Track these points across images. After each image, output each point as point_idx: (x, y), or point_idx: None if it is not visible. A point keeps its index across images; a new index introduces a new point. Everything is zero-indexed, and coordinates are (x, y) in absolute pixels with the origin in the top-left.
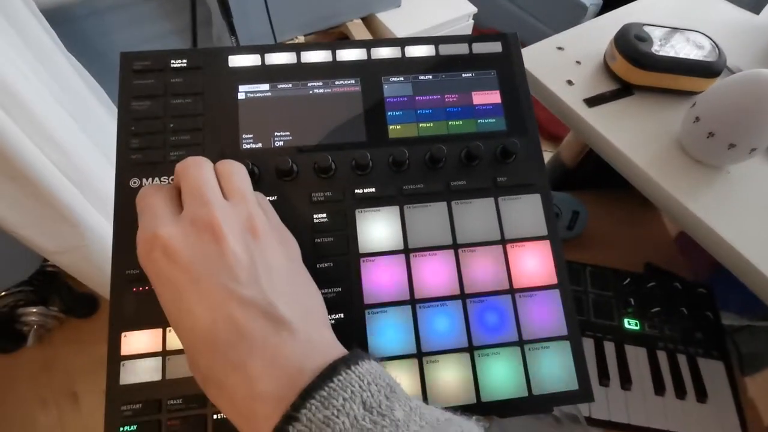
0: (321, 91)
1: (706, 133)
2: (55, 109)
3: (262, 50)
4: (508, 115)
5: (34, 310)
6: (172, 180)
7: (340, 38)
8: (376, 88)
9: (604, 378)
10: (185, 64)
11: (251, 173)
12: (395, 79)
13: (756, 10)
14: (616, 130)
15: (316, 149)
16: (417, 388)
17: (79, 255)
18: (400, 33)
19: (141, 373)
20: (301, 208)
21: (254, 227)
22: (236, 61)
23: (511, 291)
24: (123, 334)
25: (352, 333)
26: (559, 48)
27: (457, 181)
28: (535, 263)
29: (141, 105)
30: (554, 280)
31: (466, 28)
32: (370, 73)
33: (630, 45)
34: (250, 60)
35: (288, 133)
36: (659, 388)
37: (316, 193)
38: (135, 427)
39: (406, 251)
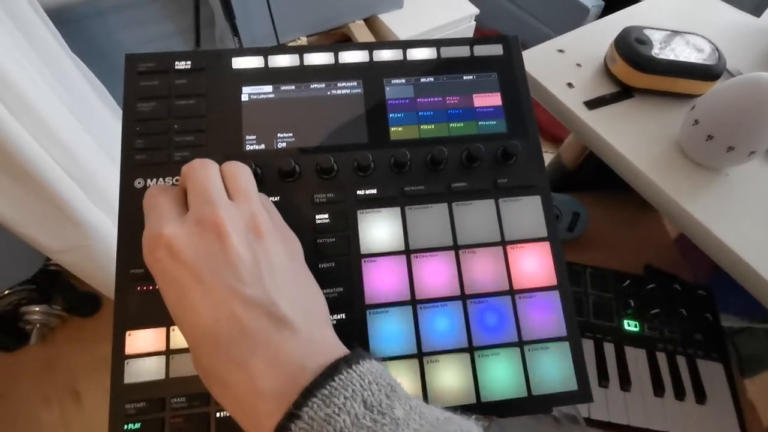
0: (323, 93)
1: (706, 135)
2: (59, 108)
3: (265, 52)
4: (508, 118)
5: (37, 308)
6: (176, 180)
7: (342, 39)
8: (377, 90)
9: (603, 379)
10: (189, 66)
11: (254, 174)
12: (397, 81)
13: (757, 12)
14: (616, 133)
15: (318, 150)
16: (417, 388)
17: (83, 254)
18: (402, 34)
19: (145, 371)
20: (304, 209)
21: (258, 227)
22: (240, 63)
23: (511, 292)
24: (127, 333)
25: (353, 333)
26: (560, 50)
27: (458, 183)
28: (535, 264)
29: (146, 106)
30: (554, 282)
31: (468, 29)
32: (371, 75)
33: (630, 48)
34: (253, 62)
35: (291, 135)
36: (658, 390)
37: (318, 194)
38: (139, 425)
39: (407, 252)
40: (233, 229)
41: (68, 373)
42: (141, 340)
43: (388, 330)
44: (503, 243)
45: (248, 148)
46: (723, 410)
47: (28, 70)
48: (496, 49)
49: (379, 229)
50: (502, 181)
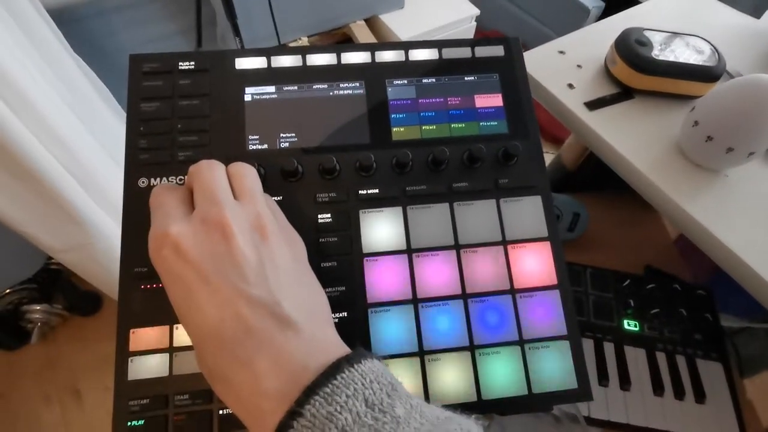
0: (326, 93)
1: (705, 136)
2: (60, 107)
3: (268, 53)
4: (509, 118)
5: (38, 307)
6: (180, 180)
7: (343, 40)
8: (379, 90)
9: (603, 378)
10: (193, 67)
11: None
12: (399, 81)
13: (756, 14)
14: (616, 134)
15: (320, 150)
16: (419, 386)
17: (84, 253)
18: (403, 35)
19: (148, 369)
20: (306, 209)
21: (263, 228)
22: (243, 63)
23: (512, 291)
24: (131, 331)
25: (355, 331)
26: (561, 52)
27: (459, 183)
28: (535, 264)
29: (149, 106)
30: (554, 281)
31: (469, 30)
32: (373, 75)
33: (631, 49)
34: (256, 62)
35: (293, 135)
36: (658, 389)
37: (320, 194)
38: (142, 422)
39: (409, 251)
40: (239, 229)
41: (69, 372)
42: (145, 337)
43: (390, 328)
44: (504, 243)
45: (251, 147)
46: (722, 410)
47: (29, 70)
48: (498, 50)
49: (380, 229)
50: (503, 181)
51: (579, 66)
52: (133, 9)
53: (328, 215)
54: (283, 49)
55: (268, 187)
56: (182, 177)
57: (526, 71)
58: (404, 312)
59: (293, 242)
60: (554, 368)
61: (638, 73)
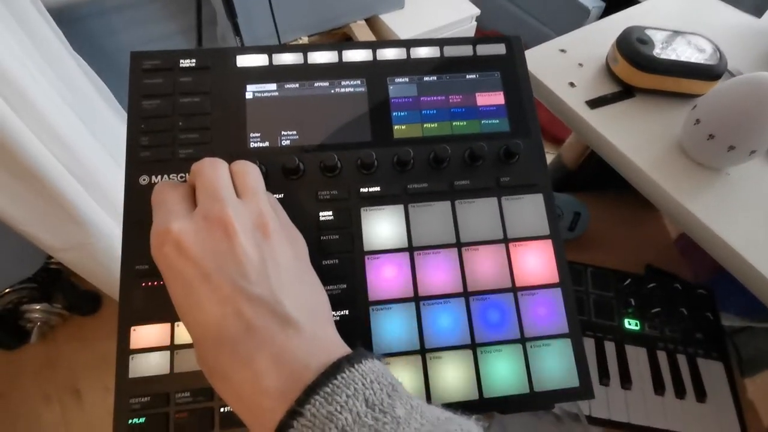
0: (327, 91)
1: (707, 135)
2: (60, 106)
3: (269, 50)
4: (511, 116)
5: (38, 307)
6: (181, 178)
7: (343, 39)
8: (381, 88)
9: (604, 377)
10: (194, 64)
11: None
12: (400, 79)
13: (757, 13)
14: (618, 132)
15: (322, 148)
16: (420, 384)
17: (84, 252)
18: (403, 34)
19: (149, 366)
20: (308, 206)
21: (265, 226)
22: (244, 61)
23: (514, 289)
24: (132, 329)
25: (356, 329)
26: (562, 50)
27: (461, 181)
28: (537, 262)
29: (150, 104)
30: (556, 279)
31: (469, 29)
32: (375, 73)
33: (632, 48)
34: (257, 60)
35: (295, 132)
36: (659, 388)
37: (322, 192)
38: (143, 419)
39: (410, 249)
40: (241, 227)
41: (69, 371)
42: (146, 335)
43: (391, 326)
44: (506, 241)
45: (252, 145)
46: (723, 409)
47: (30, 69)
48: (499, 49)
49: (382, 227)
50: (504, 179)
51: (580, 64)
52: (134, 8)
53: (330, 213)
54: (284, 47)
55: (270, 185)
56: (183, 174)
57: (528, 69)
58: (405, 310)
59: (295, 240)
60: (556, 366)
61: (640, 72)
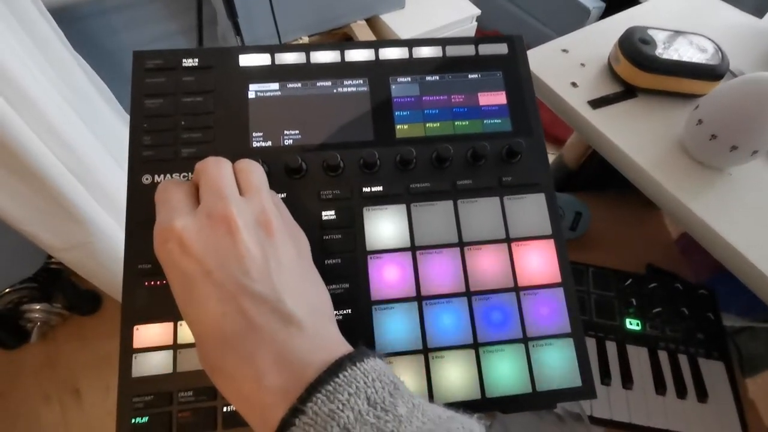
0: (329, 90)
1: (709, 135)
2: (61, 106)
3: (272, 50)
4: (513, 116)
5: (38, 306)
6: (184, 177)
7: (344, 39)
8: (383, 88)
9: (605, 377)
10: (197, 63)
11: None
12: (402, 79)
13: (759, 14)
14: (620, 132)
15: (324, 148)
16: (422, 384)
17: (85, 252)
18: (404, 34)
19: (152, 365)
20: (310, 206)
21: (268, 224)
22: (247, 60)
23: (516, 289)
24: (135, 328)
25: (358, 328)
26: (564, 50)
27: (463, 180)
28: (539, 262)
29: (153, 103)
30: (558, 279)
31: (470, 30)
32: (377, 73)
33: (634, 48)
34: (260, 59)
35: (297, 132)
36: (660, 388)
37: (324, 191)
38: (146, 418)
39: (413, 249)
40: (244, 224)
41: (69, 371)
42: (149, 334)
43: (394, 326)
44: (508, 240)
45: (255, 144)
46: (724, 409)
47: (30, 68)
48: (501, 48)
49: (384, 226)
50: (506, 178)
51: (582, 65)
52: (134, 8)
53: (332, 212)
54: (287, 47)
55: (272, 184)
56: (186, 174)
57: (530, 69)
58: (408, 309)
59: (297, 239)
60: (558, 366)
61: (642, 72)
